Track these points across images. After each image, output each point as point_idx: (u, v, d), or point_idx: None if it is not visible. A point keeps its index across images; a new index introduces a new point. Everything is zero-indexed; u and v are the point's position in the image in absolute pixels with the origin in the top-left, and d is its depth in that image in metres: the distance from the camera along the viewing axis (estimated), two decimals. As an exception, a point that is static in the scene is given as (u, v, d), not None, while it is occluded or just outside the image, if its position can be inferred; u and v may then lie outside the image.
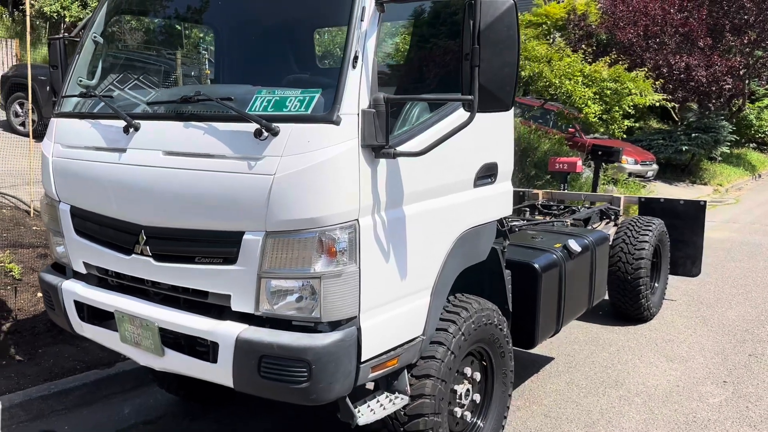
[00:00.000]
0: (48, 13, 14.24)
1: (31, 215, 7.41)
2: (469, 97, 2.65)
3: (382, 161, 2.91)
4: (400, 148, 2.90)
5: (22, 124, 11.08)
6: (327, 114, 2.71)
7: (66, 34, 3.96)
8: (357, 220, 2.82)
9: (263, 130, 2.74)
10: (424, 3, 3.23)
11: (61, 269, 3.83)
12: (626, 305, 6.43)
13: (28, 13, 7.61)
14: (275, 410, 4.64)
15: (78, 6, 14.36)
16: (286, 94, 2.86)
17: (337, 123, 2.70)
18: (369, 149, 2.82)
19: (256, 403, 4.73)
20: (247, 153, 2.80)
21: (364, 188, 2.82)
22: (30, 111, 8.08)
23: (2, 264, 5.89)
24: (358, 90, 2.75)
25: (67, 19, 14.57)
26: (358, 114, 2.76)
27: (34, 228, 7.06)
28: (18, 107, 11.12)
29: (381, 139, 2.80)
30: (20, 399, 4.42)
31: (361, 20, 2.78)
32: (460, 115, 3.19)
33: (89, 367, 4.98)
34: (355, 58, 2.74)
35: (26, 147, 9.45)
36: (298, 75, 3.75)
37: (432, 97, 3.30)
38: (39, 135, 7.65)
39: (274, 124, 2.73)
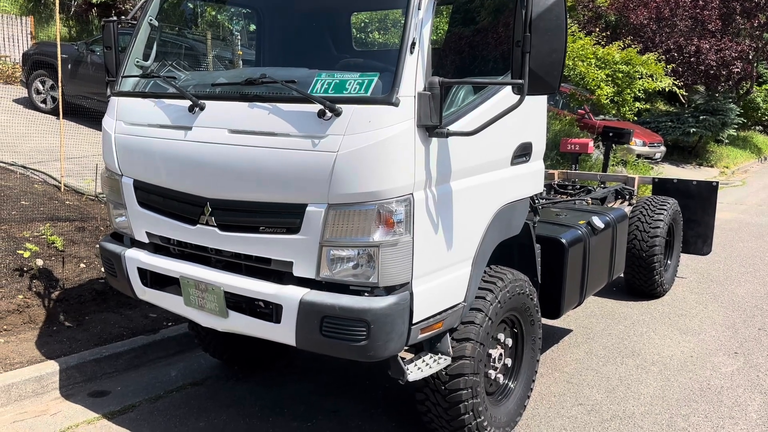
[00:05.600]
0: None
1: (62, 190, 7.64)
2: (520, 81, 2.87)
3: (434, 140, 3.13)
4: (451, 128, 3.13)
5: (44, 101, 11.26)
6: (386, 96, 2.93)
7: (122, 17, 4.15)
8: (412, 194, 3.05)
9: (327, 111, 2.96)
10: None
11: (120, 238, 4.08)
12: (640, 281, 6.68)
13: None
14: (312, 374, 4.93)
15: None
16: (345, 77, 3.08)
17: (396, 104, 2.92)
18: (423, 129, 3.04)
19: (295, 368, 5.03)
20: (311, 132, 3.02)
21: (418, 165, 3.05)
22: (60, 89, 8.23)
23: (44, 236, 6.15)
24: (415, 74, 2.96)
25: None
26: (415, 96, 2.97)
27: (67, 202, 7.29)
28: (39, 84, 11.27)
29: (435, 120, 3.02)
30: (75, 362, 4.70)
31: (418, 9, 2.99)
32: (502, 96, 3.43)
33: (134, 334, 5.26)
34: (413, 44, 2.95)
35: (49, 124, 9.67)
36: (353, 59, 3.96)
37: (485, 81, 3.51)
38: (58, 112, 7.88)
39: (337, 105, 2.95)
